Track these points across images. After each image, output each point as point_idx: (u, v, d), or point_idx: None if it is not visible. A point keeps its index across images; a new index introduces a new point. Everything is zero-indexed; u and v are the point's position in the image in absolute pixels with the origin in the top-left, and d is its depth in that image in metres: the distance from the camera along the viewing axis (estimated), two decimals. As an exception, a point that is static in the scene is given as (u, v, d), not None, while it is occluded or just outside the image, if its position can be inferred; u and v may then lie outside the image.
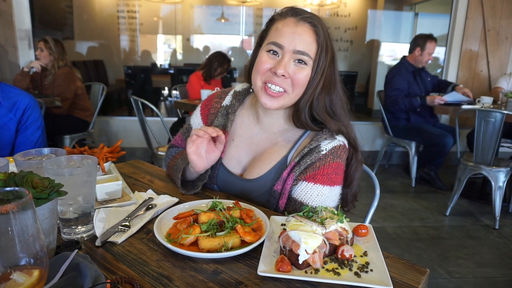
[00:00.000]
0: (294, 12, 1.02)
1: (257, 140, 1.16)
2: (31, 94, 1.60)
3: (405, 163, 4.53)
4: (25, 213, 0.48)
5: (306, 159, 1.03)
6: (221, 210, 0.86)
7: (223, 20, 5.78)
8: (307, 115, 1.06)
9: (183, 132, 1.33)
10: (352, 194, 1.15)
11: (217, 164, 1.16)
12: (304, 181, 1.03)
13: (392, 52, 6.06)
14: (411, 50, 3.81)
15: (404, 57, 3.89)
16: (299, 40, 0.99)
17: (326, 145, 1.04)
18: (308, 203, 1.02)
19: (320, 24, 1.01)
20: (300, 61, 1.01)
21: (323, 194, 1.03)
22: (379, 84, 5.77)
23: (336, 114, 1.08)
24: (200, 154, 1.07)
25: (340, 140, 1.06)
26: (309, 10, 1.06)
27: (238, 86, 1.25)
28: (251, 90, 1.21)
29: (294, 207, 1.04)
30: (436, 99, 3.65)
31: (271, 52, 1.02)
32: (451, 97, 3.69)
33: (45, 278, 0.52)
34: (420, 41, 3.71)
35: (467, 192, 3.56)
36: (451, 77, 4.58)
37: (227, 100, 1.22)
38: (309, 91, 1.03)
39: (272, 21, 1.07)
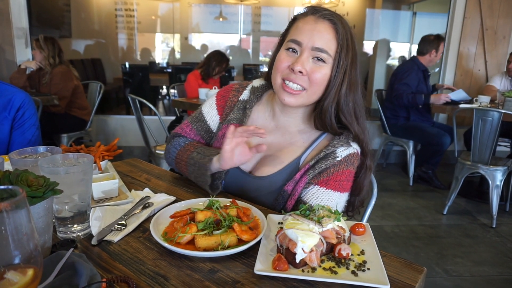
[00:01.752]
0: (314, 10, 1.02)
1: (271, 138, 1.15)
2: (26, 92, 1.58)
3: (403, 162, 4.54)
4: (19, 211, 0.48)
5: (321, 163, 1.03)
6: (217, 209, 0.85)
7: (221, 19, 5.77)
8: (333, 117, 1.04)
9: (192, 121, 1.26)
10: (360, 200, 1.15)
11: None
12: (316, 185, 1.02)
13: (390, 51, 6.06)
14: (424, 52, 3.80)
15: (415, 56, 3.89)
16: (318, 37, 0.98)
17: (342, 152, 1.03)
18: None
19: (341, 22, 1.00)
20: (319, 58, 1.00)
21: (333, 200, 1.02)
22: (377, 83, 5.78)
23: (360, 116, 1.07)
24: (234, 152, 1.03)
25: (355, 148, 1.06)
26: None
27: (256, 82, 1.24)
28: (272, 91, 1.20)
29: (296, 207, 1.04)
30: (442, 96, 3.66)
31: (290, 50, 1.02)
32: (456, 95, 3.71)
33: (40, 277, 0.51)
34: (434, 44, 3.74)
35: (465, 191, 3.57)
36: (448, 76, 4.59)
37: (244, 95, 1.21)
38: (332, 91, 1.01)
39: (294, 20, 1.07)
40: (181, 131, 1.27)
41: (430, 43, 3.76)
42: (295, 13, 1.09)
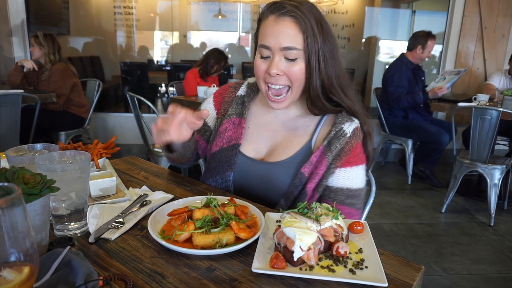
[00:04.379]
0: (273, 9, 1.03)
1: (273, 127, 1.18)
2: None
3: (401, 160, 4.54)
4: (15, 209, 0.47)
5: (335, 143, 1.06)
6: (215, 207, 0.85)
7: (220, 17, 5.75)
8: (323, 100, 1.07)
9: None
10: (368, 165, 1.18)
11: (235, 151, 1.16)
12: (342, 168, 1.07)
13: (389, 49, 6.06)
14: (411, 48, 3.78)
15: (402, 54, 3.88)
16: (283, 37, 1.00)
17: (348, 128, 1.08)
18: (351, 186, 1.07)
19: (301, 11, 1.00)
20: (291, 56, 1.02)
21: (359, 173, 1.08)
22: (376, 81, 5.77)
23: (345, 86, 1.09)
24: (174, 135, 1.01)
25: (356, 122, 1.10)
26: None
27: (252, 78, 1.27)
28: None
29: (334, 196, 1.07)
30: (439, 92, 3.64)
31: (263, 54, 1.05)
32: (449, 81, 3.69)
33: (36, 275, 0.51)
34: (421, 39, 3.70)
35: (463, 189, 3.58)
36: (447, 75, 4.58)
37: (241, 91, 1.25)
38: (314, 77, 1.04)
39: (259, 21, 1.09)
40: None
41: (417, 38, 3.72)
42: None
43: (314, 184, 1.07)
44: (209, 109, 1.28)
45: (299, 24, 1.00)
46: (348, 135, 1.07)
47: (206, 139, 1.29)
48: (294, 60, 1.02)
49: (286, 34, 1.00)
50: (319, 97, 1.06)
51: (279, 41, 1.00)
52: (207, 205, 0.88)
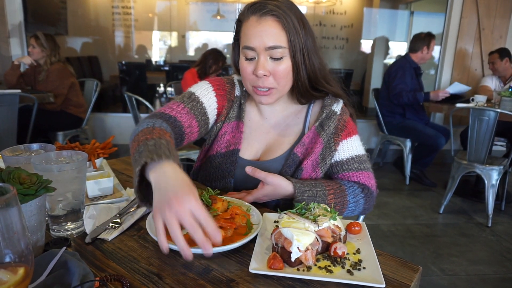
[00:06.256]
0: (254, 10, 1.02)
1: (265, 129, 1.19)
2: None
3: (396, 161, 4.55)
4: (9, 210, 0.47)
5: (327, 123, 1.11)
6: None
7: (218, 17, 5.75)
8: (311, 91, 1.11)
9: (183, 101, 1.10)
10: None
11: (235, 157, 1.15)
12: (343, 140, 1.12)
13: (388, 50, 6.07)
14: (415, 49, 3.81)
15: (407, 53, 3.90)
16: (266, 36, 1.00)
17: (337, 107, 1.14)
18: (358, 153, 1.13)
19: (281, 9, 1.00)
20: (276, 55, 1.01)
21: (358, 142, 1.15)
22: (375, 82, 5.78)
23: (327, 76, 1.12)
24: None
25: (341, 101, 1.17)
26: None
27: (237, 76, 1.22)
28: None
29: (348, 167, 1.12)
30: (440, 92, 3.69)
31: (248, 56, 1.04)
32: (453, 88, 3.74)
33: (31, 276, 0.50)
34: (425, 40, 3.76)
35: (461, 190, 3.58)
36: (445, 76, 4.60)
37: (237, 90, 1.21)
38: (301, 71, 1.05)
39: (239, 22, 1.08)
40: (171, 111, 1.06)
41: (421, 40, 3.78)
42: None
43: (311, 161, 1.08)
44: (209, 98, 1.14)
45: (281, 22, 1.00)
46: (338, 113, 1.13)
47: (200, 123, 1.12)
48: (279, 59, 1.02)
49: (270, 33, 1.00)
50: (307, 90, 1.09)
51: (263, 41, 1.00)
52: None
